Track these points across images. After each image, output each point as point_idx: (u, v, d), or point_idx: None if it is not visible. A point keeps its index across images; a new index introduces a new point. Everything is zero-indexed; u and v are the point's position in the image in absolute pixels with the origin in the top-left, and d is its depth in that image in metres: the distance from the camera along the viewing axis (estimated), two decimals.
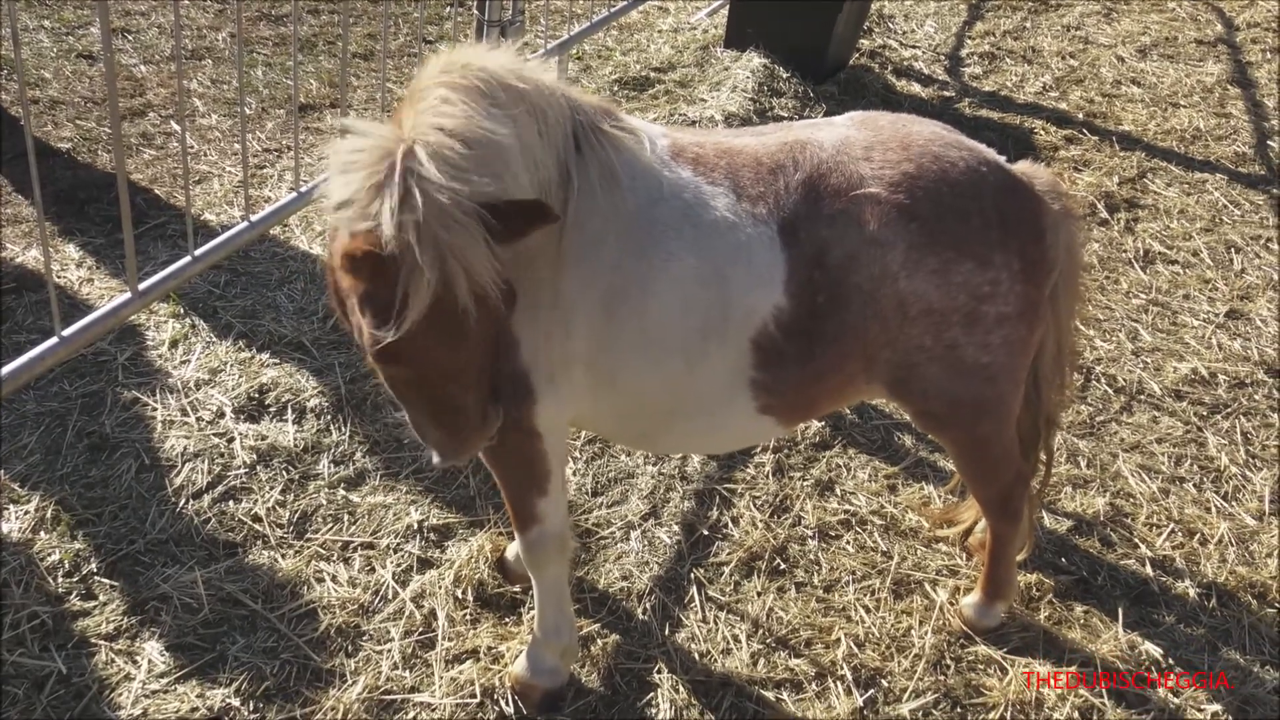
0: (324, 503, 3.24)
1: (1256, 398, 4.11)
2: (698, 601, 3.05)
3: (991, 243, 2.35)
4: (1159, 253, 5.09)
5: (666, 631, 2.95)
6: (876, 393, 2.56)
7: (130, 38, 6.20)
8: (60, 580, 2.90)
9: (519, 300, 2.04)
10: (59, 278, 4.02)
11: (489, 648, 2.84)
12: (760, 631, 2.97)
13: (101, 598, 2.88)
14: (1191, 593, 3.20)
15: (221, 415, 3.47)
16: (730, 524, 3.33)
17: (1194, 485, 3.64)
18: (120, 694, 2.64)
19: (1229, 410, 4.02)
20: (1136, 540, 3.37)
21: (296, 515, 3.19)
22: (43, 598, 2.84)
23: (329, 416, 3.52)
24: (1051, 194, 2.50)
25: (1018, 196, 2.43)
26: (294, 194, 3.42)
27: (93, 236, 4.32)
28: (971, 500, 3.18)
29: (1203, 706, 2.84)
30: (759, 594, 3.09)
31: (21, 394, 3.44)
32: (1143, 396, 4.07)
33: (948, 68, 7.10)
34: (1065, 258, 2.53)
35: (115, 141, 2.80)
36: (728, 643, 2.93)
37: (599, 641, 2.90)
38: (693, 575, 3.13)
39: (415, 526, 3.18)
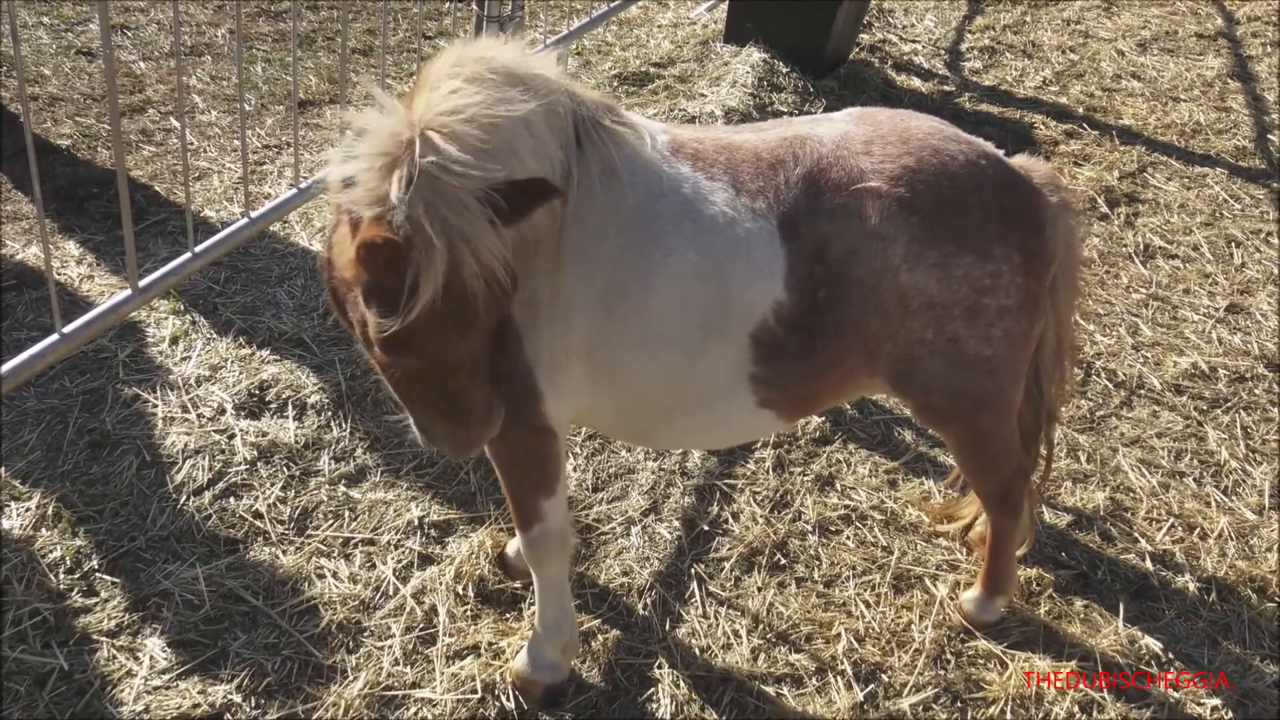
0: (325, 499, 3.24)
1: (1256, 392, 4.11)
2: (698, 597, 3.05)
3: (992, 236, 2.35)
4: (1159, 247, 5.09)
5: (667, 627, 2.95)
6: (878, 387, 2.56)
7: (129, 34, 6.19)
8: (61, 577, 2.90)
9: (520, 296, 2.04)
10: (59, 275, 4.02)
11: (490, 643, 2.84)
12: (761, 626, 2.97)
13: (103, 594, 2.88)
14: (1191, 587, 3.20)
15: (222, 412, 3.47)
16: (731, 519, 3.33)
17: (1194, 480, 3.64)
18: (122, 690, 2.65)
19: (1229, 405, 4.02)
20: (1136, 535, 3.37)
21: (297, 511, 3.19)
22: (44, 594, 2.84)
23: (329, 413, 3.52)
24: (1050, 187, 2.50)
25: (1017, 189, 2.43)
26: (294, 190, 3.43)
27: (93, 233, 4.32)
28: (972, 495, 3.18)
29: (1202, 700, 2.84)
30: (759, 589, 3.09)
31: (22, 391, 3.44)
32: (1143, 391, 4.07)
33: (948, 62, 7.09)
34: (1064, 250, 2.53)
35: (115, 138, 2.79)
36: (728, 638, 2.93)
37: (600, 637, 2.91)
38: (693, 570, 3.13)
39: (416, 522, 3.18)
